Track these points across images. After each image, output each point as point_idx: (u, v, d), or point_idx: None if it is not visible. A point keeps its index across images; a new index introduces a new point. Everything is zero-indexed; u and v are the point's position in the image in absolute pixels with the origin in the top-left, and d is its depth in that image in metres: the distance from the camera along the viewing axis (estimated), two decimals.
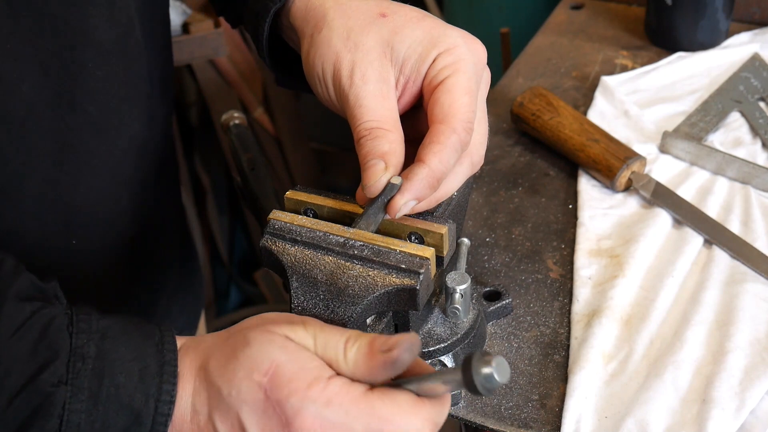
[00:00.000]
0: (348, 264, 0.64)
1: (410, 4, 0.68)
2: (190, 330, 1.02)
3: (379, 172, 0.60)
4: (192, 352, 0.56)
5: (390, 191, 0.62)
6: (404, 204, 0.61)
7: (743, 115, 1.03)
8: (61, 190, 0.69)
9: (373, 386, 0.53)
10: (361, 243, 0.65)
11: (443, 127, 0.61)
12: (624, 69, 1.14)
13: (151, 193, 0.80)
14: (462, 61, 0.62)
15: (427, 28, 0.63)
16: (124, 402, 0.53)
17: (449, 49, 0.62)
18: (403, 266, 0.63)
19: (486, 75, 0.66)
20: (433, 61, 0.62)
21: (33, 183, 0.67)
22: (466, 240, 0.77)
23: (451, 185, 0.66)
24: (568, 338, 0.79)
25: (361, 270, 0.64)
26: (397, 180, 0.62)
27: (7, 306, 0.52)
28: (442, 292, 0.74)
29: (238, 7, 0.74)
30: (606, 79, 1.09)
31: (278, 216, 0.68)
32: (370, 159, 0.60)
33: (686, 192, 0.92)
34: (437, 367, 0.73)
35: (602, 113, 1.05)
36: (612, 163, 0.92)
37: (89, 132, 0.69)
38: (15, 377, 0.51)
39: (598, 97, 1.07)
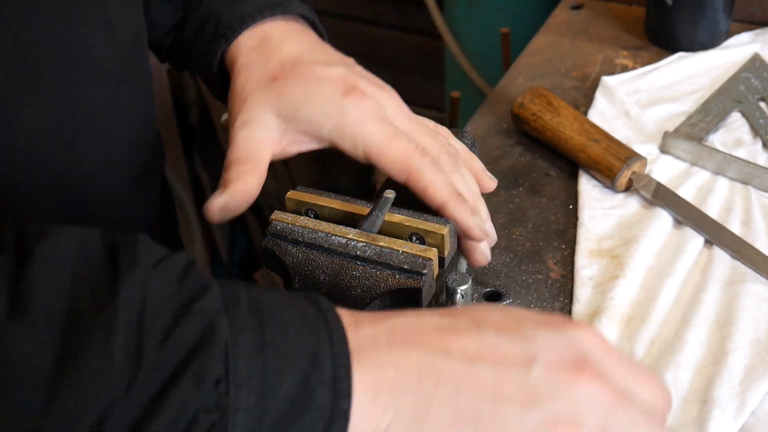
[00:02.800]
0: (350, 265, 0.64)
1: (410, 5, 0.70)
2: None
3: (215, 195, 0.64)
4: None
5: (385, 203, 0.65)
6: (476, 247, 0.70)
7: (744, 115, 1.03)
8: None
9: None
10: (364, 244, 0.65)
11: (404, 175, 0.66)
12: (624, 69, 1.14)
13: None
14: (361, 112, 0.66)
15: (324, 94, 0.66)
16: (293, 343, 0.45)
17: (344, 115, 0.66)
18: (406, 267, 0.63)
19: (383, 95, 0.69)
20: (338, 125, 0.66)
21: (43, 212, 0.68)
22: None
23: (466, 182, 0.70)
24: None
25: (363, 271, 0.64)
26: (390, 194, 0.66)
27: (141, 244, 0.46)
28: (442, 293, 0.74)
29: (183, 55, 0.80)
30: (606, 79, 1.09)
31: (279, 217, 0.68)
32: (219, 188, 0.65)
33: (687, 192, 0.92)
34: None
35: (603, 113, 1.05)
36: (612, 164, 0.93)
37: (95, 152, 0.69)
38: (167, 307, 0.43)
39: (599, 97, 1.07)
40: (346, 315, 0.48)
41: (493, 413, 0.45)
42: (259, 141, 0.66)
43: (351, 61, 0.71)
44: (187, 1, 0.78)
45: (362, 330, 0.47)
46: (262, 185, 0.66)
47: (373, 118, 0.66)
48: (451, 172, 0.68)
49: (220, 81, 0.76)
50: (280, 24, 0.73)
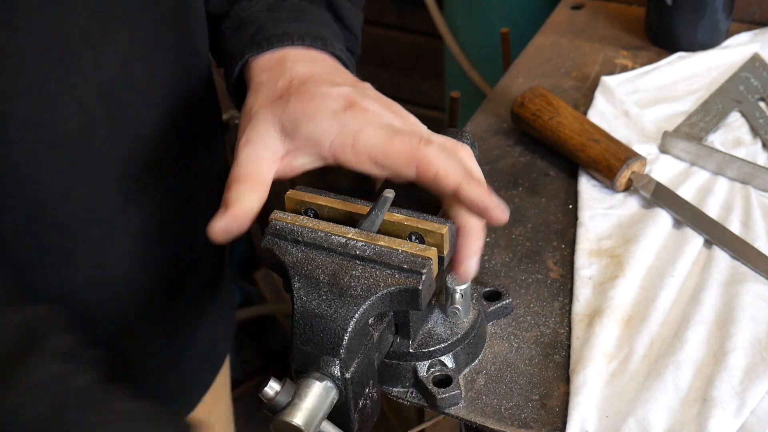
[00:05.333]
0: (350, 264, 0.64)
1: (410, 5, 0.70)
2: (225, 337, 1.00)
3: (217, 217, 0.65)
4: None
5: (384, 203, 0.65)
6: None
7: (743, 115, 1.03)
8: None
9: None
10: (363, 243, 0.65)
11: (413, 166, 0.65)
12: (624, 69, 1.14)
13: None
14: (355, 123, 0.66)
15: (324, 110, 0.67)
16: None
17: (343, 128, 0.66)
18: (406, 266, 0.63)
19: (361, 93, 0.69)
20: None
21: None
22: None
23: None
24: (569, 338, 0.79)
25: (363, 270, 0.64)
26: (390, 193, 0.65)
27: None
28: (442, 292, 0.74)
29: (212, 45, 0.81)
30: (606, 79, 1.09)
31: (279, 216, 0.68)
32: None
33: (686, 192, 0.92)
34: (437, 367, 0.73)
35: (602, 113, 1.05)
36: (612, 163, 0.93)
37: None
38: None
39: (598, 97, 1.07)
40: None
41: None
42: (261, 159, 0.67)
43: (366, 85, 0.71)
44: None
45: None
46: (263, 203, 0.66)
47: (372, 125, 0.65)
48: (460, 155, 0.68)
49: (236, 90, 0.76)
50: (300, 50, 0.73)
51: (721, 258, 0.84)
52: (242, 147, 0.67)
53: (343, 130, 0.65)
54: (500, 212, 0.65)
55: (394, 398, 0.74)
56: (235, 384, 2.15)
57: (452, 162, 0.65)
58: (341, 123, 0.65)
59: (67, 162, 0.67)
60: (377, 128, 0.65)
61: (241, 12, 0.77)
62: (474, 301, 0.76)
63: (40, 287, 0.70)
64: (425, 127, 0.70)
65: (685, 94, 1.08)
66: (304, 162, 0.68)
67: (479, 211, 0.65)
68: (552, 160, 1.00)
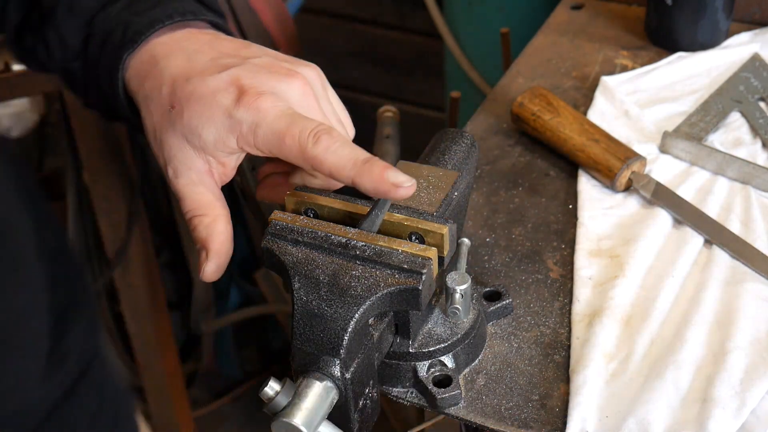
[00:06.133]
0: (350, 264, 0.64)
1: (410, 5, 0.69)
2: None
3: (202, 261, 0.66)
4: None
5: (384, 203, 0.65)
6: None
7: (743, 115, 1.03)
8: None
9: None
10: (363, 243, 0.65)
11: (308, 166, 0.64)
12: (624, 69, 1.14)
13: None
14: (262, 112, 0.64)
15: (217, 109, 0.65)
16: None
17: (241, 126, 0.64)
18: (406, 266, 0.63)
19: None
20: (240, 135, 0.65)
21: None
22: (466, 240, 0.77)
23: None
24: (569, 338, 0.79)
25: (363, 270, 0.64)
26: None
27: None
28: (442, 292, 0.74)
29: (92, 82, 0.73)
30: (606, 79, 1.09)
31: (279, 216, 0.68)
32: (196, 247, 0.67)
33: (686, 192, 0.92)
34: (437, 367, 0.73)
35: (602, 113, 1.05)
36: (612, 163, 0.93)
37: None
38: None
39: (598, 97, 1.07)
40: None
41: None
42: (200, 183, 0.66)
43: (251, 50, 0.68)
44: (92, 16, 0.70)
45: None
46: (230, 220, 0.66)
47: (265, 120, 0.64)
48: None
49: (130, 112, 0.71)
50: (167, 38, 0.69)
51: (721, 258, 0.84)
52: (175, 180, 0.67)
53: (242, 129, 0.64)
54: (403, 191, 0.63)
55: (394, 398, 0.74)
56: (235, 384, 2.15)
57: (342, 155, 0.63)
58: (237, 121, 0.64)
59: None
60: (270, 125, 0.63)
61: (101, 25, 0.71)
62: (474, 301, 0.76)
63: None
64: (317, 83, 0.69)
65: (685, 94, 1.08)
66: (230, 159, 0.67)
67: (381, 196, 0.64)
68: (552, 160, 1.00)
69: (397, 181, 0.63)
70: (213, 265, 0.66)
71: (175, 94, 0.66)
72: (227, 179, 0.68)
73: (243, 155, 0.68)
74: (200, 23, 0.71)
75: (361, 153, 0.64)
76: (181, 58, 0.67)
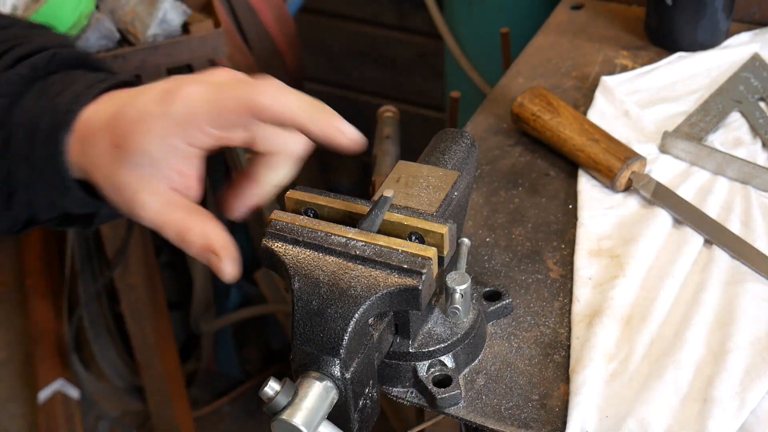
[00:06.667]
0: (350, 264, 0.64)
1: (410, 5, 0.68)
2: None
3: (216, 265, 0.64)
4: None
5: (384, 203, 0.65)
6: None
7: (743, 115, 1.03)
8: None
9: None
10: (363, 243, 0.65)
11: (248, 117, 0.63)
12: (624, 69, 1.14)
13: None
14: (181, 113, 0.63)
15: (151, 118, 0.64)
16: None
17: (175, 118, 0.63)
18: (406, 266, 0.63)
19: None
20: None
21: None
22: (466, 240, 0.77)
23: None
24: (569, 338, 0.79)
25: (363, 270, 0.64)
26: (389, 193, 0.65)
27: None
28: (442, 292, 0.74)
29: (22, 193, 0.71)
30: (606, 79, 1.09)
31: (279, 216, 0.68)
32: (203, 259, 0.65)
33: (686, 192, 0.92)
34: (437, 367, 0.73)
35: (602, 113, 1.05)
36: (612, 163, 0.93)
37: None
38: None
39: (598, 97, 1.07)
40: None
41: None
42: (169, 204, 0.65)
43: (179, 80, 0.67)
44: (2, 116, 0.68)
45: None
46: (215, 217, 0.66)
47: (198, 95, 0.62)
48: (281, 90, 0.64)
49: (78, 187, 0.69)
50: (94, 106, 0.67)
51: (721, 258, 0.84)
52: (144, 213, 0.65)
53: (180, 121, 0.63)
54: (352, 145, 0.63)
55: (394, 398, 0.74)
56: (235, 384, 2.15)
57: (290, 97, 0.62)
58: (172, 117, 0.62)
59: None
60: (203, 98, 0.62)
61: (17, 122, 0.68)
62: (474, 301, 0.76)
63: None
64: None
65: (685, 94, 1.08)
66: (187, 167, 0.65)
67: (327, 139, 0.64)
68: (552, 160, 1.00)
69: (343, 128, 0.63)
70: (228, 261, 0.64)
71: (113, 132, 0.64)
72: (195, 192, 0.66)
73: (200, 158, 0.66)
74: (119, 87, 0.70)
75: (308, 95, 0.63)
76: (110, 108, 0.66)
